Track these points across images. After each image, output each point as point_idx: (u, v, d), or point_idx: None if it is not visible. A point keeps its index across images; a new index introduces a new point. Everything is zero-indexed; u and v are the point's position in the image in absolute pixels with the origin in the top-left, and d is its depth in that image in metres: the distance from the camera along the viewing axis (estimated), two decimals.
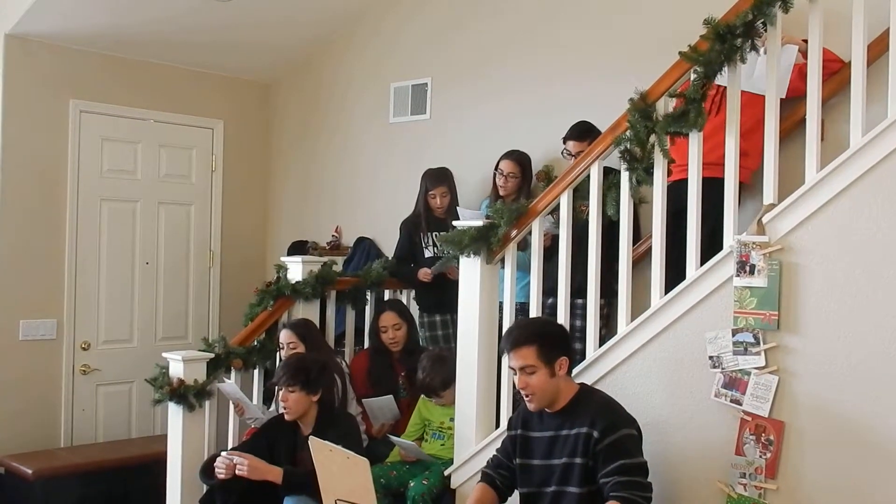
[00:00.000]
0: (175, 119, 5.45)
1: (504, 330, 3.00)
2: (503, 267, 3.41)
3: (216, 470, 3.25)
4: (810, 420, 2.62)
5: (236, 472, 3.20)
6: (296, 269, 4.23)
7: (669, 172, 3.00)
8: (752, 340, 2.72)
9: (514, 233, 3.33)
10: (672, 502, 2.86)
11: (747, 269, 2.72)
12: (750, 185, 3.37)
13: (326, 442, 2.90)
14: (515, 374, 2.80)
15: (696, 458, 2.84)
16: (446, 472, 3.47)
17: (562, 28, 4.40)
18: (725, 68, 2.85)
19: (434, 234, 4.41)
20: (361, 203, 5.33)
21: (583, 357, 3.20)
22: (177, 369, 3.80)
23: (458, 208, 4.16)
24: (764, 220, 2.73)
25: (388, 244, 4.89)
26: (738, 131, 2.87)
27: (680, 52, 2.89)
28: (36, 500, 4.36)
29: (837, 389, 2.58)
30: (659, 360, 2.95)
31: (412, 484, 3.48)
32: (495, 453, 3.05)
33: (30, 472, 4.37)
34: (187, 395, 3.75)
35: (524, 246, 3.57)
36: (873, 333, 2.52)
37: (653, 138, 2.94)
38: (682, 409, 2.88)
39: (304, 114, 5.71)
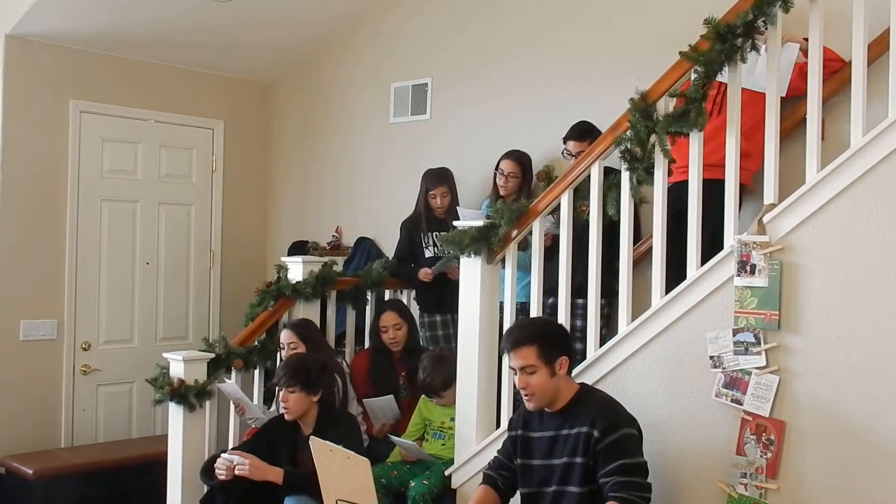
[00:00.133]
0: (175, 119, 5.45)
1: (504, 330, 3.00)
2: (504, 267, 3.41)
3: (216, 471, 3.25)
4: (811, 420, 2.62)
5: (237, 472, 3.20)
6: (296, 270, 4.23)
7: (670, 173, 3.00)
8: (753, 340, 2.72)
9: (514, 233, 3.33)
10: (672, 502, 2.86)
11: (748, 268, 2.72)
12: (751, 186, 3.37)
13: (327, 442, 2.90)
14: (516, 373, 2.80)
15: (696, 457, 2.84)
16: (447, 472, 3.47)
17: (562, 28, 4.40)
18: (726, 68, 2.85)
19: (434, 234, 4.41)
20: (362, 203, 5.33)
21: (583, 357, 3.20)
22: (177, 369, 3.80)
23: (458, 208, 4.15)
24: (764, 219, 2.73)
25: (389, 244, 4.89)
26: (738, 131, 2.87)
27: (680, 52, 2.89)
28: (36, 500, 4.36)
29: (838, 389, 2.58)
30: (659, 360, 2.95)
31: (413, 484, 3.48)
32: (496, 454, 3.05)
33: (30, 472, 4.37)
34: (188, 396, 3.75)
35: (525, 246, 3.57)
36: (873, 333, 2.52)
37: (653, 138, 2.94)
38: (683, 408, 2.88)
39: (304, 114, 5.71)
